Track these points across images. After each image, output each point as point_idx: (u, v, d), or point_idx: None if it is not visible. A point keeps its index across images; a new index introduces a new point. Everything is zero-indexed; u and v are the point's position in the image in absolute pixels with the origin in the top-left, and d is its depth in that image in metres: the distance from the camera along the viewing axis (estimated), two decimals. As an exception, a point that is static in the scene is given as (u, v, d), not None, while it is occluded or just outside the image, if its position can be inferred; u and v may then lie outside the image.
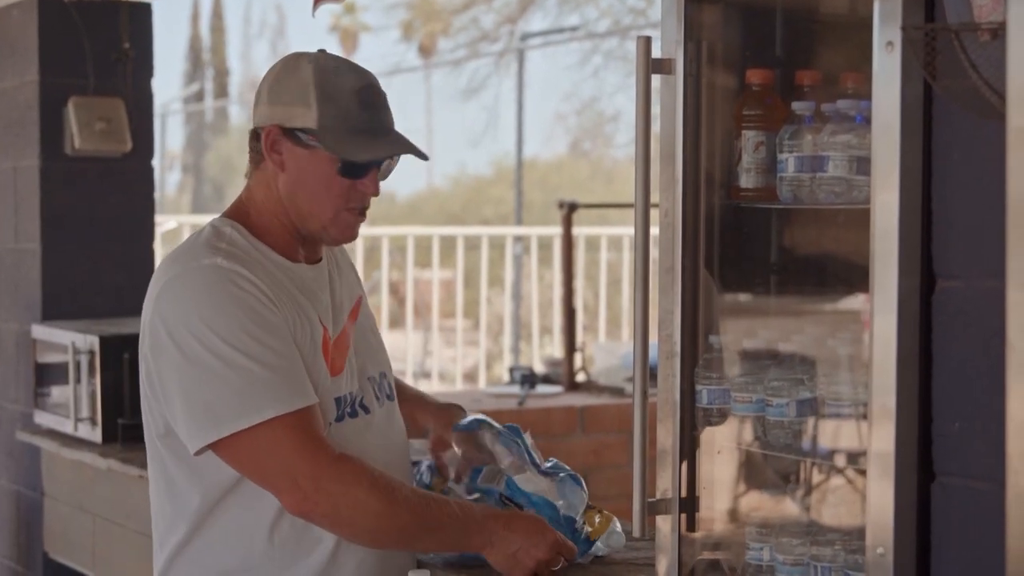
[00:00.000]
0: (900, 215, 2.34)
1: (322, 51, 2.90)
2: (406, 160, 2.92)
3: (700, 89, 2.79)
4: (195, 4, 38.99)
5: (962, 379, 2.32)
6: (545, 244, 10.40)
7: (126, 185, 5.49)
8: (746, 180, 2.75)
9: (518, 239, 10.80)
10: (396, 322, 11.63)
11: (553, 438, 6.45)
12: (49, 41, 5.35)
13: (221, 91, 32.86)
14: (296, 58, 2.91)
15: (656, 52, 2.75)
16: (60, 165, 5.38)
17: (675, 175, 2.76)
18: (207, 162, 31.00)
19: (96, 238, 5.42)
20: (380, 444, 2.97)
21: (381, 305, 9.52)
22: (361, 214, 2.92)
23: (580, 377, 7.20)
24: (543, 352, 10.06)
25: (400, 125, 2.92)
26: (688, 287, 2.78)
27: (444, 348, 11.58)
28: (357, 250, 9.41)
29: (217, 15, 39.57)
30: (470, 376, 11.39)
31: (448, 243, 9.98)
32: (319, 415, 2.79)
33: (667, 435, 2.78)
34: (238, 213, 2.94)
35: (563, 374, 7.20)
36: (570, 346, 7.22)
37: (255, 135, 2.91)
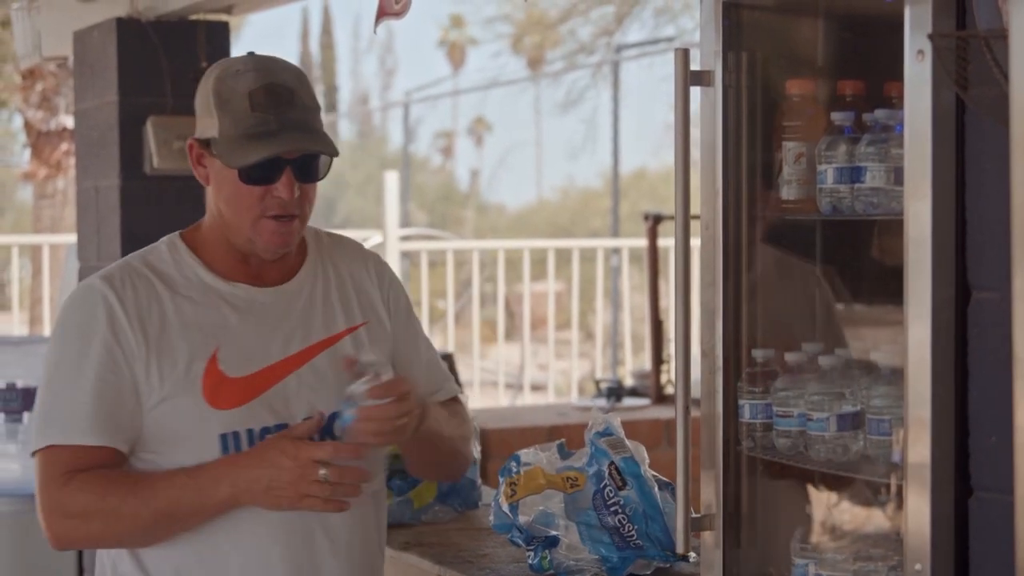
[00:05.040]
0: (933, 225, 2.31)
1: (249, 54, 2.79)
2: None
3: (740, 100, 2.76)
4: (304, 22, 39.40)
5: (998, 392, 2.27)
6: (640, 256, 10.34)
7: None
8: (787, 192, 2.72)
9: (614, 251, 10.76)
10: (491, 336, 11.63)
11: (638, 451, 6.39)
12: (128, 61, 5.40)
13: (331, 106, 33.12)
14: (214, 65, 2.81)
15: (696, 64, 2.73)
16: (140, 184, 5.42)
17: (716, 187, 2.74)
18: (317, 177, 31.25)
19: (176, 256, 5.44)
20: None
21: (472, 319, 9.52)
22: (287, 219, 2.76)
23: (669, 390, 7.15)
24: (637, 364, 10.01)
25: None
26: (730, 300, 2.75)
27: (546, 359, 11.57)
28: (448, 263, 9.46)
29: (327, 32, 39.95)
30: (568, 388, 11.37)
31: (542, 255, 9.96)
32: (86, 457, 2.70)
33: (710, 450, 2.76)
34: (192, 228, 2.89)
35: (651, 386, 7.17)
36: (657, 358, 7.19)
37: None
